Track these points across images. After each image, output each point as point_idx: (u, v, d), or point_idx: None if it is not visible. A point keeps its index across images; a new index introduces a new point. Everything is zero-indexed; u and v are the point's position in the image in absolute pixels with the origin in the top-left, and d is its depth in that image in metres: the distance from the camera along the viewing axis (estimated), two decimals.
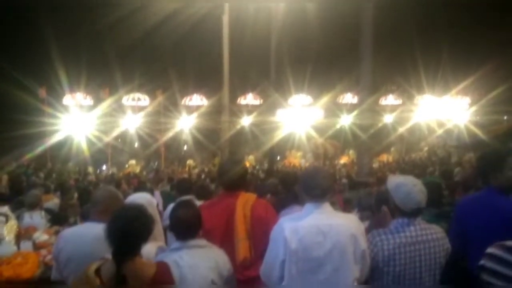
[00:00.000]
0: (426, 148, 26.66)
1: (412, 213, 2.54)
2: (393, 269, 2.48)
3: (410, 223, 2.54)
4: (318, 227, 2.35)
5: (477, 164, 2.80)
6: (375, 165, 19.71)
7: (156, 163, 25.82)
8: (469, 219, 2.62)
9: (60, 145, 21.26)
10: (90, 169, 20.98)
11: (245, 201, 2.99)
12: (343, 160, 25.29)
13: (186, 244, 2.53)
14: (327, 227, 2.35)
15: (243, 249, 2.82)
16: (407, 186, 2.53)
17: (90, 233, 2.69)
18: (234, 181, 3.06)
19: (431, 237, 2.55)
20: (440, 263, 2.57)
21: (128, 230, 2.12)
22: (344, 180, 10.40)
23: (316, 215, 2.40)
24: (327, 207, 2.45)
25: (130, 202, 2.80)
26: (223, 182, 3.17)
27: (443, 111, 24.63)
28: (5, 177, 14.32)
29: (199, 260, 2.48)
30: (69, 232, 2.98)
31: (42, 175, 16.73)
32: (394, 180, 2.67)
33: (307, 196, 2.45)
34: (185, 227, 2.57)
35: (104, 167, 24.19)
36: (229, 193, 3.07)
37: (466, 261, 2.69)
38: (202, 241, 2.59)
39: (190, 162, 25.54)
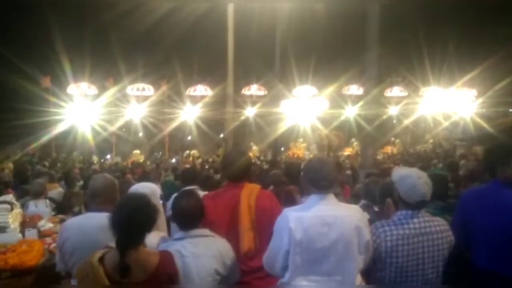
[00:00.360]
0: (431, 141, 26.52)
1: (417, 205, 2.55)
2: (395, 260, 2.50)
3: (413, 215, 2.55)
4: (322, 218, 2.35)
5: (485, 157, 2.78)
6: (379, 156, 19.65)
7: (160, 153, 25.88)
8: (473, 211, 2.61)
9: (64, 134, 21.33)
10: (95, 158, 21.07)
11: (249, 192, 2.99)
12: (347, 151, 25.22)
13: (189, 234, 2.54)
14: (332, 218, 2.35)
15: (247, 240, 2.82)
16: (412, 178, 2.54)
17: (93, 223, 2.70)
18: (238, 172, 3.06)
19: (434, 229, 2.55)
20: (443, 255, 2.57)
21: (132, 220, 2.13)
22: (348, 172, 10.38)
23: (321, 206, 2.39)
24: (331, 198, 2.45)
25: (134, 192, 2.81)
26: (227, 173, 3.16)
27: (449, 103, 24.45)
28: (10, 166, 14.43)
29: (202, 249, 2.49)
30: (72, 222, 2.99)
31: (47, 163, 16.85)
32: (399, 172, 2.68)
33: (312, 187, 2.44)
34: (188, 217, 2.58)
35: (108, 157, 24.25)
36: (233, 184, 3.06)
37: (469, 253, 2.68)
38: (205, 231, 2.60)
39: (194, 152, 25.55)
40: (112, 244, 2.18)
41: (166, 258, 2.28)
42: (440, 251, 2.56)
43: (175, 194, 4.35)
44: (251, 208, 2.91)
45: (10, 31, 21.10)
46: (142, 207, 2.18)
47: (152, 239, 2.63)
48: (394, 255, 2.50)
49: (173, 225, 2.76)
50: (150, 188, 3.14)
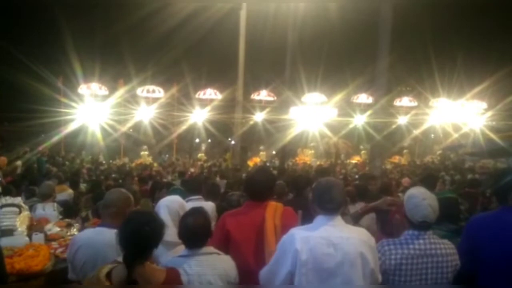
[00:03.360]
0: (439, 152, 26.34)
1: (420, 226, 2.55)
2: (398, 279, 2.50)
3: (420, 236, 2.55)
4: (329, 239, 2.34)
5: (496, 180, 2.72)
6: (388, 166, 19.54)
7: (167, 156, 25.96)
8: (482, 239, 2.57)
9: (74, 134, 21.50)
10: (102, 158, 21.19)
11: (274, 210, 2.92)
12: (355, 159, 25.13)
13: (194, 252, 2.53)
14: (338, 239, 2.33)
15: None
16: (416, 199, 2.55)
17: (103, 240, 2.73)
18: (262, 191, 3.00)
19: (440, 251, 2.55)
20: (447, 279, 2.56)
21: (139, 235, 2.13)
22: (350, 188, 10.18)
23: (328, 227, 2.38)
24: (339, 220, 2.43)
25: (142, 208, 2.84)
26: (250, 191, 3.08)
27: (459, 115, 24.29)
28: (19, 163, 14.53)
29: (207, 268, 2.48)
30: (82, 236, 3.02)
31: (60, 159, 17.00)
32: (409, 191, 2.70)
33: (320, 209, 2.43)
34: (195, 236, 2.56)
35: (116, 157, 24.40)
36: (256, 202, 2.99)
37: (475, 280, 2.64)
38: (210, 248, 2.59)
39: (201, 155, 25.61)
40: (120, 258, 2.18)
41: (172, 275, 2.29)
42: (444, 274, 2.54)
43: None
44: (277, 227, 2.84)
45: (22, 33, 21.40)
46: (149, 222, 2.19)
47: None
48: (397, 274, 2.50)
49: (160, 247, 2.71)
50: (178, 203, 3.16)
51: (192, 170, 16.04)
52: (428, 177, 6.21)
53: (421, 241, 2.53)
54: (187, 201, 4.41)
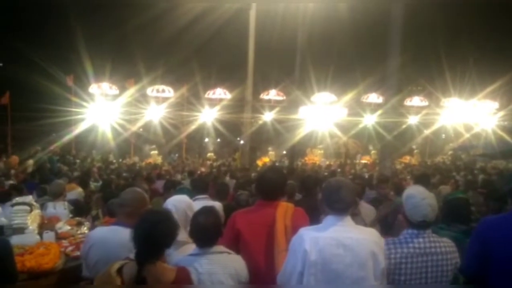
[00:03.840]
0: (450, 152, 26.10)
1: (419, 225, 2.55)
2: (398, 278, 2.50)
3: (419, 235, 2.56)
4: (338, 239, 2.33)
5: (508, 182, 2.69)
6: (398, 166, 19.40)
7: (176, 155, 26.06)
8: (494, 242, 2.53)
9: (85, 133, 21.67)
10: (112, 158, 21.33)
11: (284, 211, 2.93)
12: (365, 159, 25.00)
13: (205, 251, 2.54)
14: (348, 240, 2.33)
15: (283, 260, 2.76)
16: (415, 199, 2.56)
17: (117, 239, 2.76)
18: (273, 190, 3.01)
19: (439, 250, 2.56)
20: (447, 277, 2.56)
21: (152, 234, 2.17)
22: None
23: (337, 227, 2.38)
24: (348, 220, 2.43)
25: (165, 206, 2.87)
26: (262, 190, 3.09)
27: (470, 115, 24.05)
28: (30, 162, 14.71)
29: (218, 267, 2.50)
30: (96, 234, 3.06)
31: (71, 158, 17.15)
32: (407, 191, 2.70)
33: (329, 209, 2.42)
34: (206, 235, 2.58)
35: (126, 156, 24.54)
36: (267, 202, 3.00)
37: (484, 282, 2.60)
38: (220, 248, 2.60)
39: (210, 155, 25.68)
40: (132, 255, 2.22)
41: (182, 274, 2.30)
42: (444, 272, 2.54)
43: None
44: (288, 228, 2.85)
45: (34, 33, 21.64)
46: (162, 222, 2.22)
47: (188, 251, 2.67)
48: (397, 273, 2.49)
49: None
50: (185, 202, 3.17)
51: (202, 169, 16.09)
52: (422, 176, 6.16)
53: (421, 239, 2.54)
54: (193, 201, 4.43)
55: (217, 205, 4.53)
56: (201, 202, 4.28)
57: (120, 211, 3.04)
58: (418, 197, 2.54)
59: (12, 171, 12.26)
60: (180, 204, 3.09)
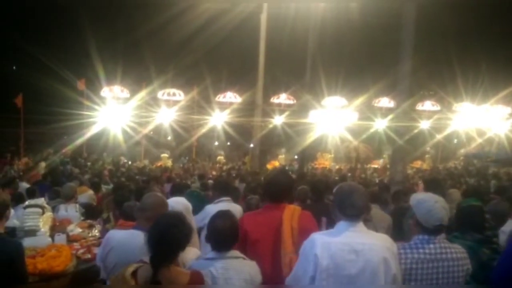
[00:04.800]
0: (462, 157, 25.82)
1: (435, 230, 2.53)
2: (408, 283, 2.48)
3: (430, 240, 2.54)
4: (350, 245, 2.31)
5: None
6: (410, 171, 19.22)
7: (186, 158, 26.14)
8: None
9: (97, 136, 21.84)
10: (122, 159, 21.45)
11: (291, 213, 2.95)
12: (376, 164, 24.83)
13: (221, 255, 2.54)
14: (360, 246, 2.31)
15: (289, 263, 2.78)
16: (428, 203, 2.53)
17: (137, 243, 2.76)
18: (280, 193, 3.02)
19: (450, 256, 2.52)
20: (458, 283, 2.53)
21: (166, 238, 2.18)
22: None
23: (350, 233, 2.36)
24: (361, 226, 2.40)
25: (170, 210, 2.87)
26: (269, 192, 3.12)
27: (482, 120, 23.78)
28: (42, 164, 14.86)
29: (233, 272, 2.50)
30: (115, 238, 3.07)
31: (82, 161, 17.29)
32: (416, 196, 2.68)
33: (341, 214, 2.40)
34: (223, 239, 2.58)
35: (137, 159, 24.66)
36: (274, 204, 3.02)
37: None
38: (236, 252, 2.60)
39: (220, 158, 25.71)
40: (147, 258, 2.23)
41: (196, 278, 2.31)
42: (456, 279, 2.51)
43: (209, 205, 4.34)
44: (294, 230, 2.87)
45: (47, 36, 21.88)
46: (176, 225, 2.23)
47: (187, 255, 2.65)
48: (407, 278, 2.47)
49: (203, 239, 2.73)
50: (183, 204, 3.18)
51: (214, 173, 16.11)
52: (432, 181, 6.08)
53: (432, 245, 2.52)
54: (216, 203, 4.43)
55: (238, 208, 4.54)
56: (223, 204, 4.32)
57: (141, 215, 3.05)
58: (431, 201, 2.52)
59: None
60: (178, 206, 3.11)
